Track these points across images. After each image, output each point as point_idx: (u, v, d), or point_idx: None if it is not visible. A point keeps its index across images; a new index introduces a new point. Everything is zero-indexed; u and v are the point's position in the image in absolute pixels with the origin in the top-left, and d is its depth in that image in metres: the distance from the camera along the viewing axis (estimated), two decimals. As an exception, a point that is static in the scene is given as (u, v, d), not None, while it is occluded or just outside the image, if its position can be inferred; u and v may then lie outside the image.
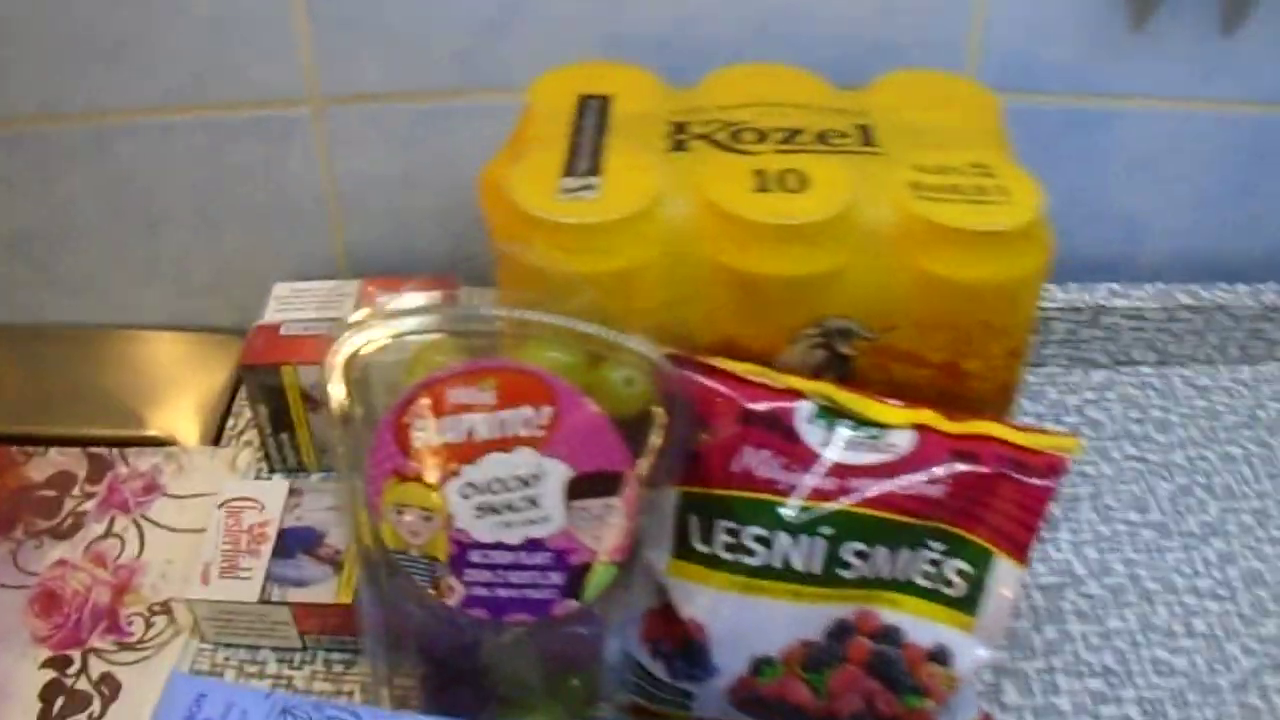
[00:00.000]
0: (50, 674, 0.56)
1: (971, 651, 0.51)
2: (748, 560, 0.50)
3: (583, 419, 0.47)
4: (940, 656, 0.51)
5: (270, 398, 0.64)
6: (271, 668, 0.57)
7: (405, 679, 0.51)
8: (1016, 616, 0.59)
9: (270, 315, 0.67)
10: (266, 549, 0.58)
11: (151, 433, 0.72)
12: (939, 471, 0.50)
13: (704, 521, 0.50)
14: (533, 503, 0.47)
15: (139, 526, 0.63)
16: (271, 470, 0.68)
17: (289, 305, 0.68)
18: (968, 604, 0.51)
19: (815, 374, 0.53)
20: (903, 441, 0.51)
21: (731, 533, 0.50)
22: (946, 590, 0.51)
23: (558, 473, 0.47)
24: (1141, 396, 0.74)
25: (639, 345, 0.47)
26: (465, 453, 0.48)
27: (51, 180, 0.76)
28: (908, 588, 0.51)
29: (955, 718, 0.53)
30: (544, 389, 0.47)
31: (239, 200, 0.77)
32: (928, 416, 0.52)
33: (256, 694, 0.45)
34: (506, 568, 0.48)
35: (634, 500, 0.47)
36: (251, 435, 0.70)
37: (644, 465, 0.47)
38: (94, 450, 0.69)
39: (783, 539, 0.50)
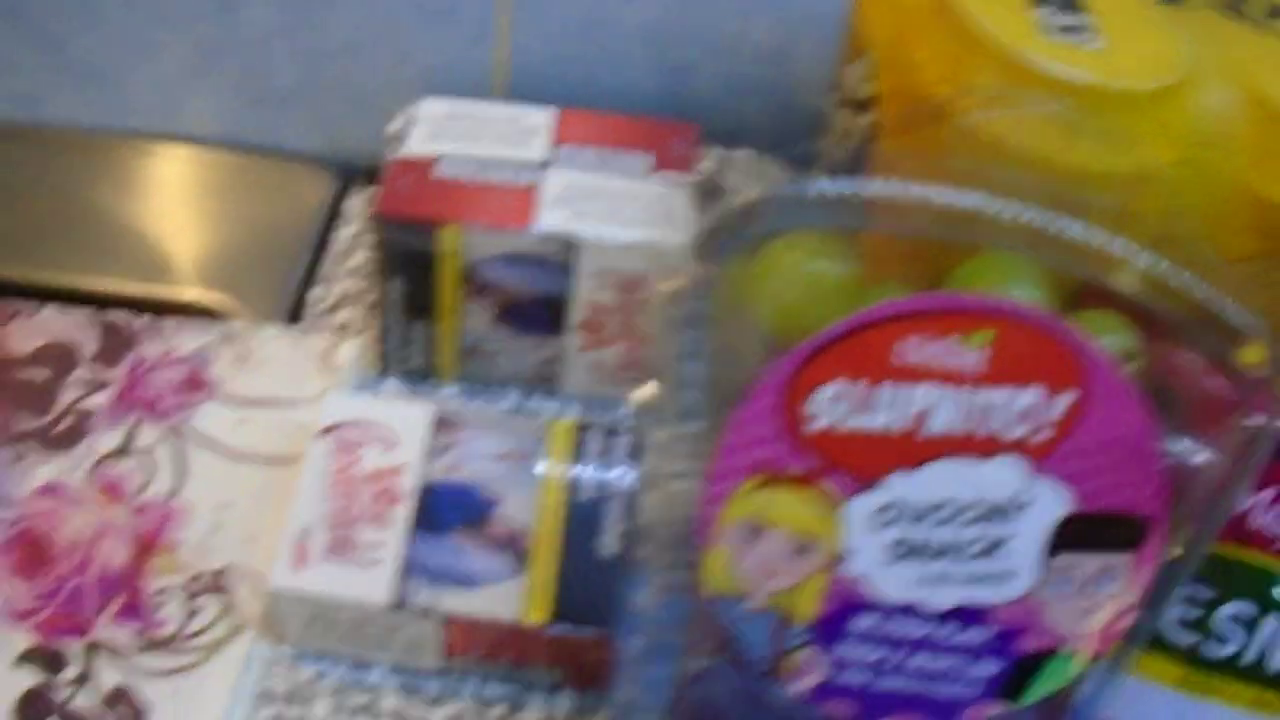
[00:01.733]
0: (32, 677, 0.31)
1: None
2: (1211, 649, 0.33)
3: (1116, 422, 0.28)
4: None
5: (414, 269, 0.39)
6: (389, 700, 0.35)
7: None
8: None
9: (418, 144, 0.41)
10: (402, 515, 0.35)
11: (194, 297, 0.45)
12: None
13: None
14: (995, 549, 0.28)
15: (176, 444, 0.38)
16: (385, 370, 0.43)
17: (445, 132, 0.42)
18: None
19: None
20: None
21: (1199, 604, 0.33)
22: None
23: (1051, 504, 0.28)
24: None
25: (1230, 311, 0.28)
26: (903, 451, 0.27)
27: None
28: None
29: None
30: (1070, 359, 0.27)
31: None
32: None
33: None
34: (911, 645, 0.29)
35: (1151, 565, 0.29)
36: (346, 315, 0.44)
37: (1185, 515, 0.29)
38: (109, 316, 0.42)
39: (1270, 626, 0.34)
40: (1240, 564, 0.32)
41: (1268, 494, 0.32)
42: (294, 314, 0.44)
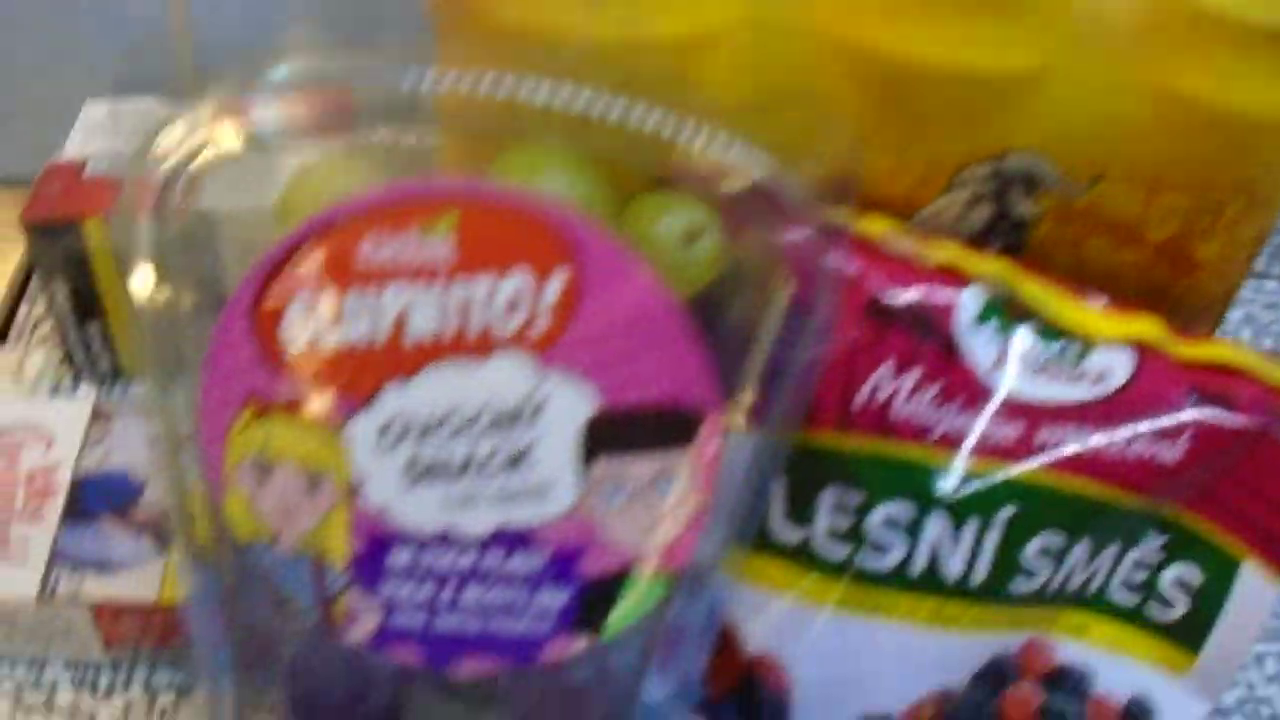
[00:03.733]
0: None
1: (1186, 705, 0.33)
2: (871, 561, 0.30)
3: (626, 302, 0.25)
4: (1141, 714, 0.33)
5: (70, 269, 0.39)
6: (65, 695, 0.34)
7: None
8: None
9: (73, 149, 0.41)
10: (54, 509, 0.35)
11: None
12: (1170, 421, 0.31)
13: (800, 490, 0.30)
14: (520, 460, 0.26)
15: None
16: (77, 379, 0.43)
17: (101, 133, 0.42)
18: (1188, 633, 0.33)
19: (973, 243, 0.33)
20: (1117, 367, 0.32)
21: (848, 510, 0.30)
22: (1157, 612, 0.32)
23: (571, 403, 0.26)
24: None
25: (727, 153, 0.25)
26: (390, 362, 0.25)
27: None
28: (1101, 606, 0.32)
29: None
30: (553, 236, 0.25)
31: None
32: (1149, 330, 0.32)
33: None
34: (461, 578, 0.27)
35: (713, 461, 0.26)
36: (49, 329, 0.45)
37: (744, 398, 0.26)
38: None
39: (936, 526, 0.30)
40: (888, 460, 0.29)
41: (907, 380, 0.29)
42: (2, 333, 0.44)
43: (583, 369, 0.25)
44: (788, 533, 0.29)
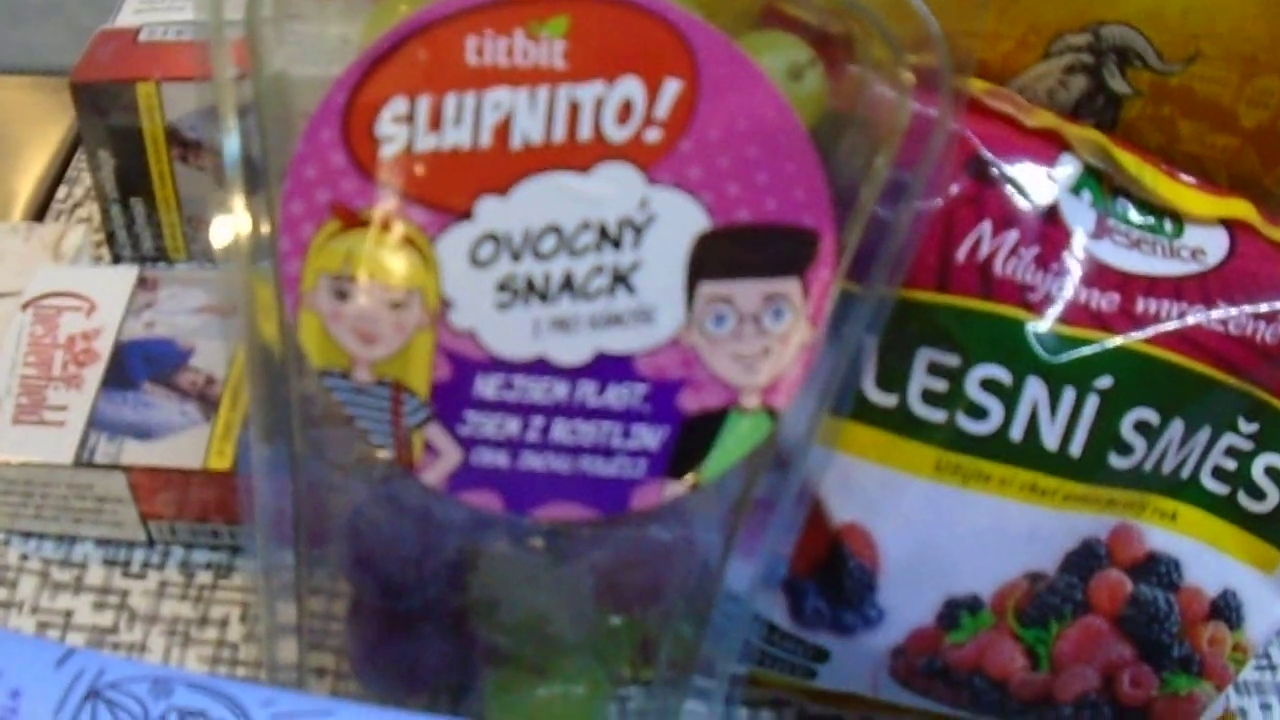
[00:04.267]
0: None
1: (1273, 605, 0.32)
2: (968, 424, 0.29)
3: (743, 114, 0.24)
4: (1229, 609, 0.32)
5: (118, 140, 0.37)
6: (95, 575, 0.32)
7: (324, 608, 0.27)
8: None
9: (126, 17, 0.40)
10: (94, 374, 0.33)
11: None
12: (1266, 302, 0.30)
13: (894, 351, 0.28)
14: (622, 281, 0.24)
15: None
16: (116, 259, 0.41)
17: (154, 5, 0.41)
18: (1278, 529, 0.32)
19: (1066, 115, 0.32)
20: (1212, 244, 0.31)
21: (947, 373, 0.28)
22: (1248, 503, 0.31)
23: (679, 219, 0.24)
24: None
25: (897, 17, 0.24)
26: (488, 172, 0.24)
27: None
28: (1192, 493, 0.31)
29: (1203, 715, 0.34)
30: (669, 42, 0.23)
31: None
32: (1244, 211, 0.31)
33: (43, 652, 0.21)
34: (552, 412, 0.25)
35: (824, 290, 0.25)
36: (90, 208, 0.43)
37: (856, 228, 0.25)
38: None
39: (1034, 391, 0.29)
40: (987, 320, 0.28)
41: (1006, 240, 0.28)
42: (39, 214, 0.42)
43: (693, 184, 0.23)
44: (880, 397, 0.28)
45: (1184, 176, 0.31)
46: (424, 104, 0.23)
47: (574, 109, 0.23)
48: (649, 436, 0.25)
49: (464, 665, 0.28)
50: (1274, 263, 0.30)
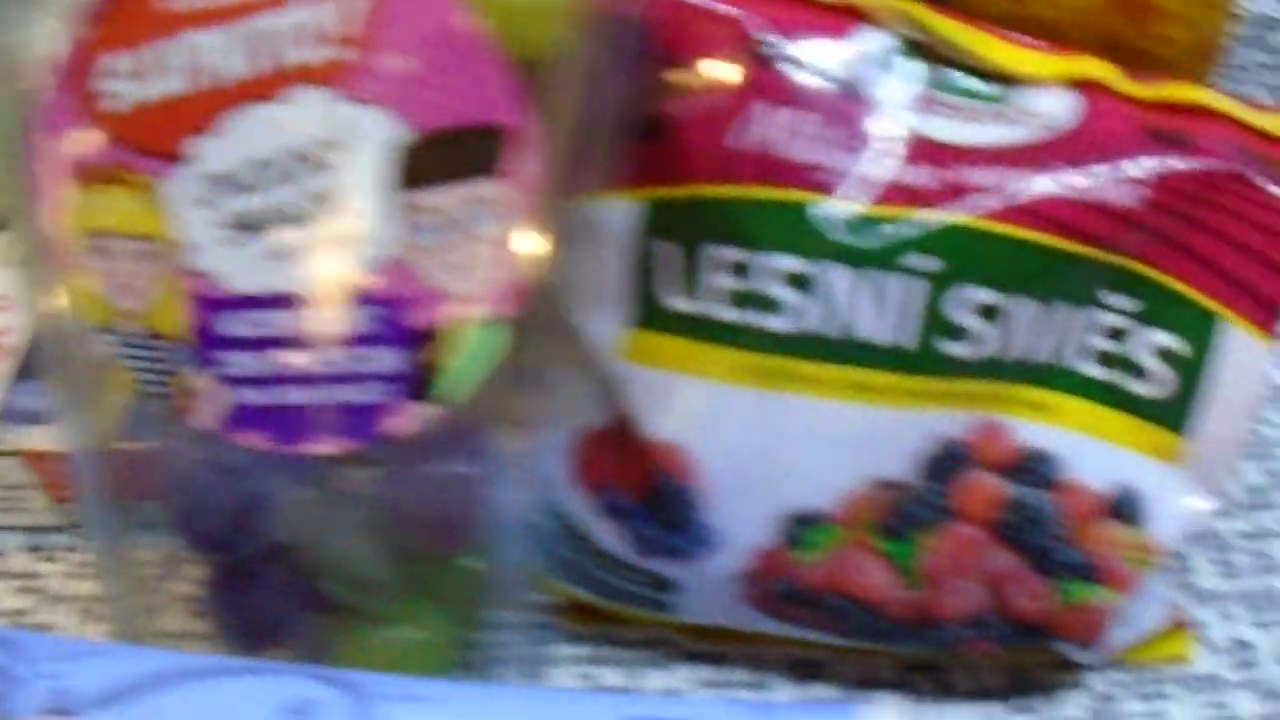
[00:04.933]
0: None
1: (1179, 499, 0.28)
2: (771, 322, 0.27)
3: (424, 21, 0.23)
4: (1125, 506, 0.28)
5: None
6: (17, 561, 0.35)
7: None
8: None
9: None
10: (4, 369, 0.35)
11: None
12: (1124, 164, 0.27)
13: (684, 252, 0.27)
14: (331, 203, 0.24)
15: None
16: None
17: None
18: (1173, 412, 0.28)
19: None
20: (1058, 110, 0.28)
21: (739, 269, 0.27)
22: (1135, 386, 0.28)
23: (376, 134, 0.24)
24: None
25: None
26: (196, 112, 0.24)
27: None
28: (1067, 381, 0.28)
29: (1137, 618, 0.30)
30: (347, -34, 0.24)
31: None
32: (1096, 70, 0.28)
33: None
34: (297, 343, 0.25)
35: (528, 187, 0.24)
36: None
37: (556, 116, 0.24)
38: None
39: (837, 277, 0.27)
40: (776, 207, 0.26)
41: (794, 122, 0.26)
42: None
43: (386, 97, 0.23)
44: (680, 303, 0.27)
45: (1026, 40, 0.28)
46: (130, 57, 0.24)
47: (265, 39, 0.23)
48: (387, 358, 0.24)
49: (307, 615, 0.28)
50: (1131, 121, 0.27)
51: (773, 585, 0.28)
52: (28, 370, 0.35)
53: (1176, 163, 0.27)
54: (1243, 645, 0.31)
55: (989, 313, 0.26)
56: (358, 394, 0.25)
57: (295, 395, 0.25)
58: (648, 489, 0.27)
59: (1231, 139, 0.28)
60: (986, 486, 0.27)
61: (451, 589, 0.28)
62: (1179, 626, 0.31)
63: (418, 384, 0.24)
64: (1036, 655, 0.30)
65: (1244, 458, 0.36)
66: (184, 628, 0.29)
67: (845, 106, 0.26)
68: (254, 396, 0.25)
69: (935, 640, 0.28)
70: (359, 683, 0.23)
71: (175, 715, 0.23)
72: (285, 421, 0.25)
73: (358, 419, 0.25)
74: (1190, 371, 0.28)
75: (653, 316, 0.27)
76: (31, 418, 0.34)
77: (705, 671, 0.31)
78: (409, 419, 0.24)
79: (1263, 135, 0.28)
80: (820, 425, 0.27)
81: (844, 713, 0.23)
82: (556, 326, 0.25)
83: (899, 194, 0.26)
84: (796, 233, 0.26)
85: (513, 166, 0.23)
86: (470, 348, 0.24)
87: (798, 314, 0.26)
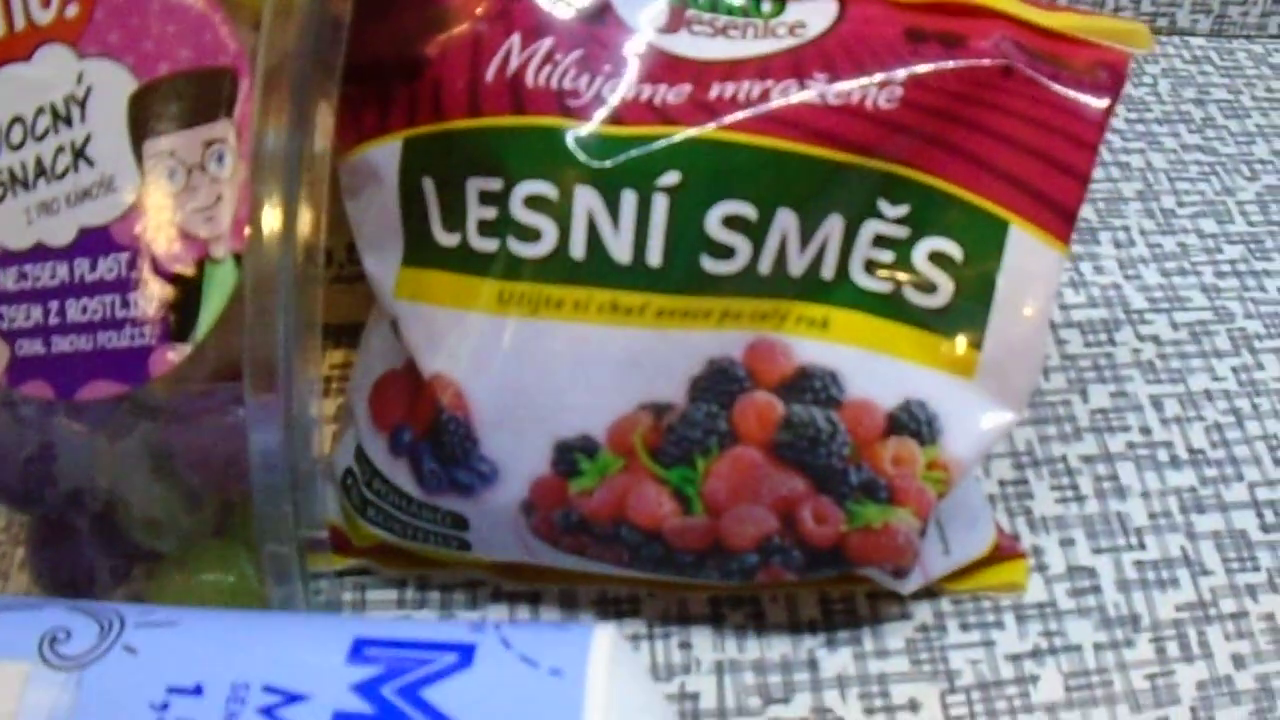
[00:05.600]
0: None
1: (974, 413, 0.27)
2: (527, 250, 0.27)
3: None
4: (914, 422, 0.27)
5: None
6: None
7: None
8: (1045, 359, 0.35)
9: None
10: None
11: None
12: (889, 68, 0.26)
13: (447, 187, 0.27)
14: (81, 158, 0.25)
15: None
16: None
17: None
18: (962, 322, 0.27)
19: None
20: (815, 18, 0.27)
21: (495, 199, 0.27)
22: (917, 298, 0.27)
23: (114, 86, 0.25)
24: (1197, 73, 0.48)
25: None
26: (-44, 79, 0.26)
27: None
28: (843, 295, 0.27)
29: (952, 544, 0.29)
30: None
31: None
32: (861, -26, 0.28)
33: None
34: (63, 294, 0.27)
35: (248, 127, 0.25)
36: None
37: (270, 52, 0.25)
38: None
39: (587, 198, 0.26)
40: (522, 134, 0.26)
41: (541, 49, 0.26)
42: None
43: (115, 49, 0.24)
44: (445, 238, 0.27)
45: (789, -47, 0.28)
46: (-102, 32, 0.26)
47: (6, 2, 0.25)
48: (144, 303, 0.25)
49: (118, 563, 0.29)
50: (889, 24, 0.27)
51: (556, 517, 0.28)
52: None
53: (941, 63, 0.26)
54: (1083, 571, 0.30)
55: (748, 227, 0.26)
56: (123, 340, 0.26)
57: (66, 344, 0.26)
58: (430, 425, 0.28)
59: (1007, 35, 0.27)
60: (763, 406, 0.27)
61: (250, 532, 0.29)
62: (1014, 554, 0.30)
63: (176, 325, 0.25)
64: (851, 585, 0.29)
65: (1091, 381, 0.34)
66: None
67: (596, 31, 0.27)
68: (30, 348, 0.26)
69: (733, 571, 0.28)
70: (111, 612, 0.24)
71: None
72: (61, 370, 0.26)
73: (125, 363, 0.26)
74: (974, 280, 0.27)
75: (423, 253, 0.27)
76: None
77: (519, 611, 0.31)
78: (170, 361, 0.26)
79: (1039, 30, 0.27)
80: (584, 350, 0.27)
81: (564, 633, 0.23)
82: (312, 277, 0.26)
83: (649, 113, 0.26)
84: (546, 159, 0.26)
85: (235, 107, 0.24)
86: (217, 288, 0.25)
87: (548, 239, 0.26)
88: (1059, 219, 0.27)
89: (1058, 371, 0.35)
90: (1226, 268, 0.39)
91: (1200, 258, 0.39)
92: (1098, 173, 0.42)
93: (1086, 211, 0.41)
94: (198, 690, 0.21)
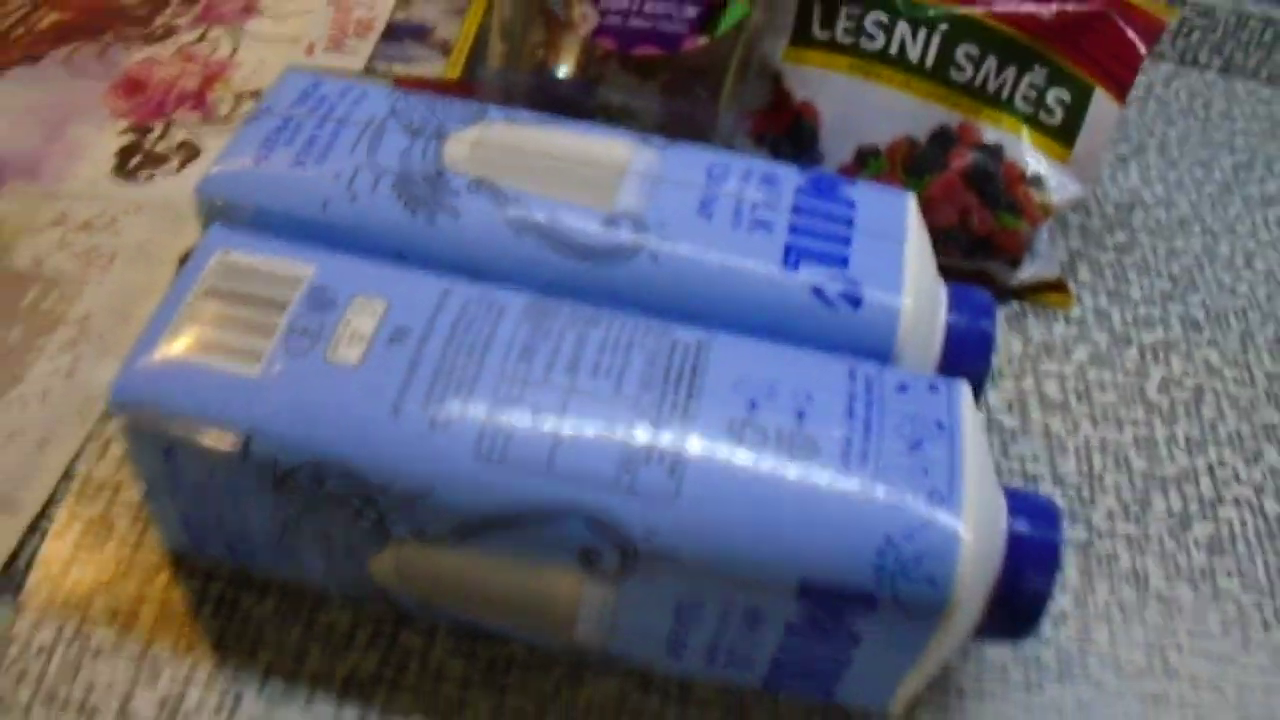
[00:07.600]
0: (129, 138, 0.54)
1: (1065, 183, 0.53)
2: (866, 44, 0.51)
3: None
4: (1037, 181, 0.52)
5: None
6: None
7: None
8: (1099, 173, 0.60)
9: None
10: (373, 36, 0.59)
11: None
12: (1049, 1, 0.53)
13: (827, 6, 0.52)
14: (675, -67, 0.49)
15: (235, 37, 0.62)
16: None
17: None
18: (1065, 134, 0.53)
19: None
20: (1017, -24, 0.54)
21: (852, 17, 0.51)
22: (1046, 118, 0.53)
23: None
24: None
25: None
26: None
27: None
28: (1010, 107, 0.53)
29: (1037, 265, 0.54)
30: None
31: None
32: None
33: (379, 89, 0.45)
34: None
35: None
36: None
37: None
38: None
39: (901, 26, 0.51)
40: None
41: (891, -49, 0.51)
42: None
43: (714, -116, 0.48)
44: (821, 34, 0.51)
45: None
46: None
47: None
48: (690, 9, 0.48)
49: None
50: (1053, -12, 0.53)
51: (848, 189, 0.51)
52: (390, 36, 0.58)
53: (1075, 4, 0.53)
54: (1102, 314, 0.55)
55: (974, 60, 0.51)
56: (671, 26, 0.48)
57: (635, 23, 0.48)
58: (789, 127, 0.51)
59: (1113, -2, 0.54)
60: (965, 154, 0.52)
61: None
62: (1063, 284, 0.54)
63: (704, 24, 0.48)
64: (977, 271, 0.53)
65: (1115, 225, 0.61)
66: None
67: (914, -46, 0.52)
68: (612, 21, 0.48)
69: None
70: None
71: None
72: (627, 35, 0.49)
73: (671, 39, 0.48)
74: (1075, 113, 0.52)
75: (804, 40, 0.51)
76: (398, 59, 0.57)
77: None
78: (696, 42, 0.48)
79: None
80: (883, 101, 0.51)
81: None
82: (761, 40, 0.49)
83: (937, -3, 0.52)
84: (886, 2, 0.51)
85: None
86: (731, 12, 0.48)
87: (879, 41, 0.51)
88: (1120, 90, 0.53)
89: (1098, 217, 0.61)
90: (1207, 197, 0.66)
91: (1187, 184, 0.67)
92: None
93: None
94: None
